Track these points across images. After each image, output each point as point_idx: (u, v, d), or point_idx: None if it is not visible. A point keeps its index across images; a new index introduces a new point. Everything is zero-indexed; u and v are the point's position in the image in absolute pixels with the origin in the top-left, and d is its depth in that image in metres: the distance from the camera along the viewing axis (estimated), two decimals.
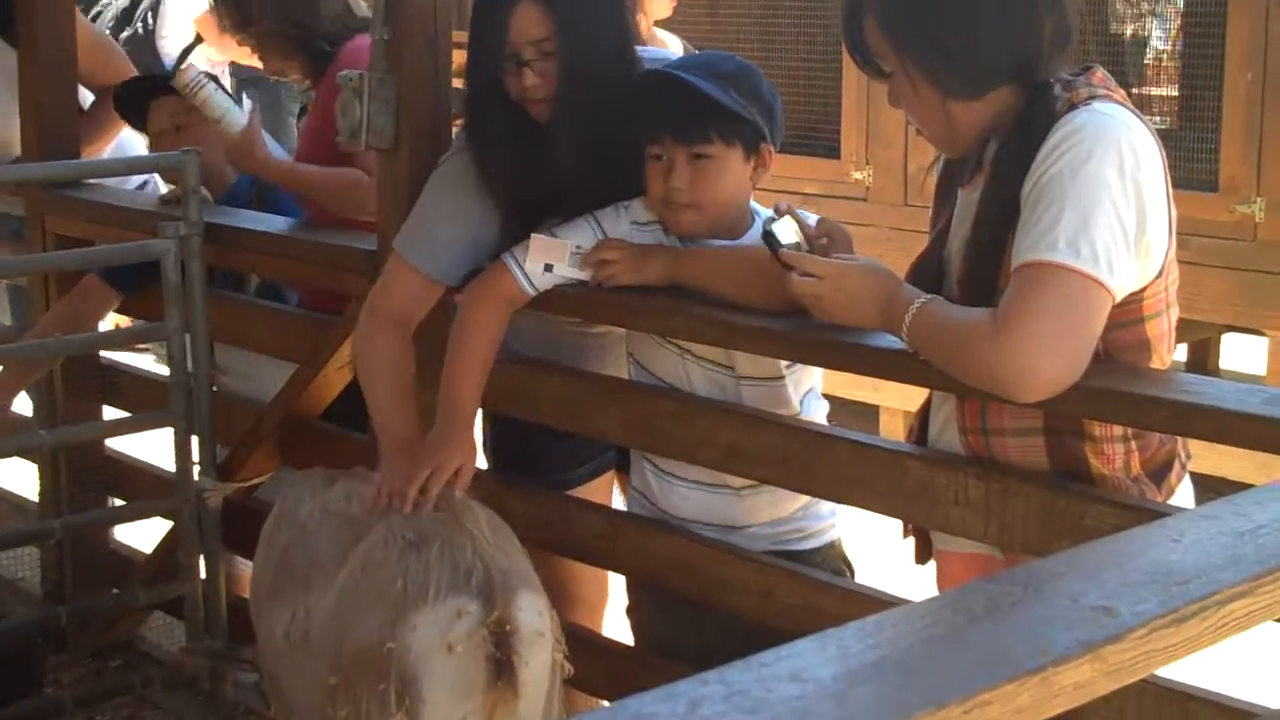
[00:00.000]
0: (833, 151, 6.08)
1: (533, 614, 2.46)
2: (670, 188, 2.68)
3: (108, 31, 7.77)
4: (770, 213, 2.67)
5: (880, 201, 6.00)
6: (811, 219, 2.64)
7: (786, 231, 2.51)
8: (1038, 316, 2.13)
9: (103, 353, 4.14)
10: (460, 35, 3.11)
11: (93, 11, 7.91)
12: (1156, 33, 5.74)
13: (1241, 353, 6.51)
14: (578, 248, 2.76)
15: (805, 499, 2.78)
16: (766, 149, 2.71)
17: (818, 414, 2.83)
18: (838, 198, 6.01)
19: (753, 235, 2.73)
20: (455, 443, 2.74)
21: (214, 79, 3.65)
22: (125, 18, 7.84)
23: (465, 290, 2.87)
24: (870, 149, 6.02)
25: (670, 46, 5.22)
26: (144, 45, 7.40)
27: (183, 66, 3.57)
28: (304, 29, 3.62)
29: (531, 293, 2.79)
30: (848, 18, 2.42)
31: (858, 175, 6.05)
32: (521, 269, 2.77)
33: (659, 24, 5.27)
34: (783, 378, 2.74)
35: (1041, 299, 2.14)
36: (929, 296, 2.31)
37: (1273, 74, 5.01)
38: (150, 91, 3.90)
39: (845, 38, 2.45)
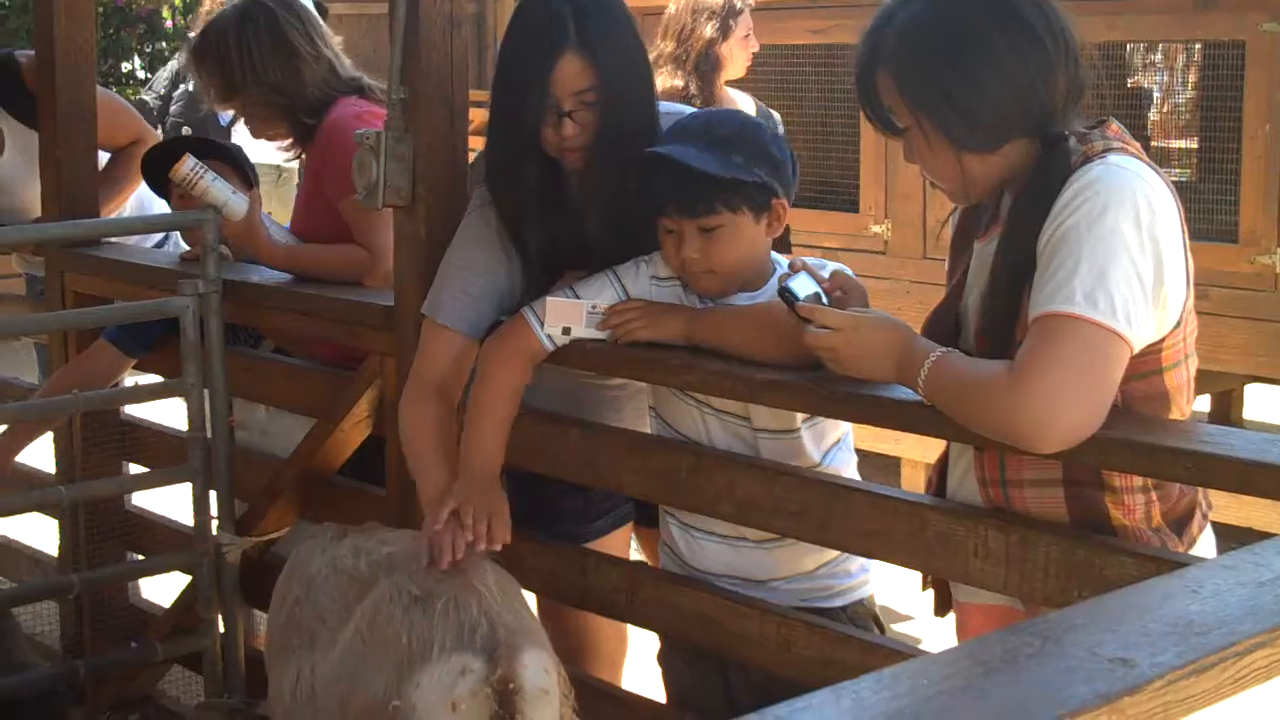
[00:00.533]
0: (852, 205, 6.09)
1: (538, 671, 2.43)
2: (684, 259, 2.69)
3: (162, 90, 7.89)
4: (787, 265, 2.69)
5: (899, 255, 6.00)
6: (826, 269, 2.65)
7: (803, 286, 2.51)
8: (1055, 368, 2.13)
9: (125, 409, 4.14)
10: (477, 94, 3.12)
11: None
12: (1175, 85, 5.74)
13: (1265, 403, 6.49)
14: (594, 307, 2.76)
15: (831, 554, 2.77)
16: (778, 204, 2.71)
17: (846, 466, 2.82)
18: (857, 251, 6.00)
19: (773, 284, 2.73)
20: (485, 503, 2.69)
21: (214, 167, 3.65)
22: (179, 77, 7.97)
23: (484, 346, 2.87)
24: (889, 202, 6.02)
25: (740, 104, 5.24)
26: (195, 104, 7.48)
27: (180, 160, 3.56)
28: (288, 97, 3.63)
29: (550, 348, 2.79)
30: (861, 73, 2.43)
31: (877, 229, 6.05)
32: (540, 322, 2.77)
33: (730, 83, 5.28)
34: (798, 430, 2.74)
35: (1059, 350, 2.14)
36: (944, 349, 2.31)
37: None
38: (177, 156, 3.92)
39: (859, 93, 2.45)
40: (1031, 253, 2.25)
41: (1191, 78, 5.74)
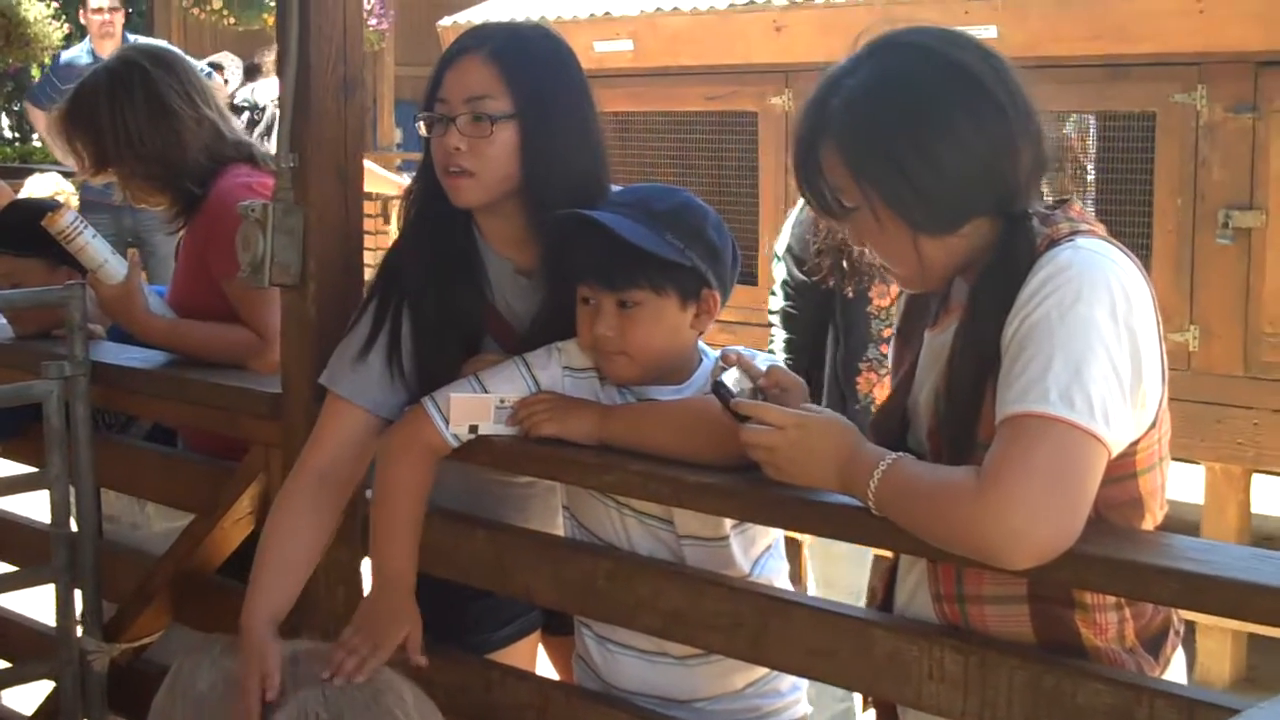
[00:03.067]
0: (750, 278, 5.91)
1: None
2: (598, 334, 2.48)
3: None
4: (717, 355, 2.48)
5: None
6: (762, 363, 2.44)
7: (738, 381, 2.30)
8: (1029, 474, 1.91)
9: None
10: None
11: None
12: (1084, 156, 5.62)
13: (1178, 483, 6.37)
14: (502, 401, 2.55)
15: (761, 672, 2.54)
16: (710, 295, 2.50)
17: (777, 575, 2.61)
18: (756, 325, 5.81)
19: (700, 377, 2.54)
20: (398, 616, 2.53)
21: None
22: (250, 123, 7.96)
23: (383, 440, 2.66)
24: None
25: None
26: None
27: (56, 210, 3.30)
28: (166, 167, 3.39)
29: (455, 444, 2.57)
30: (802, 149, 2.20)
31: (773, 303, 5.85)
32: (444, 417, 2.54)
33: None
34: (726, 537, 2.52)
35: (1033, 455, 1.92)
36: (897, 454, 2.09)
37: (1202, 199, 4.89)
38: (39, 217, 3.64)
39: (798, 171, 2.22)
40: (995, 344, 2.05)
41: (1099, 149, 5.62)
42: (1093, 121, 5.59)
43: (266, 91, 8.26)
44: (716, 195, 6.13)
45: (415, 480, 2.59)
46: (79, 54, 8.62)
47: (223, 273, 3.23)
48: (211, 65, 8.55)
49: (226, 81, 8.58)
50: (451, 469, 2.67)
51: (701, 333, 2.55)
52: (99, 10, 8.50)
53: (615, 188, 2.67)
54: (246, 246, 2.86)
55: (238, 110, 8.02)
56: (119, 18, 8.57)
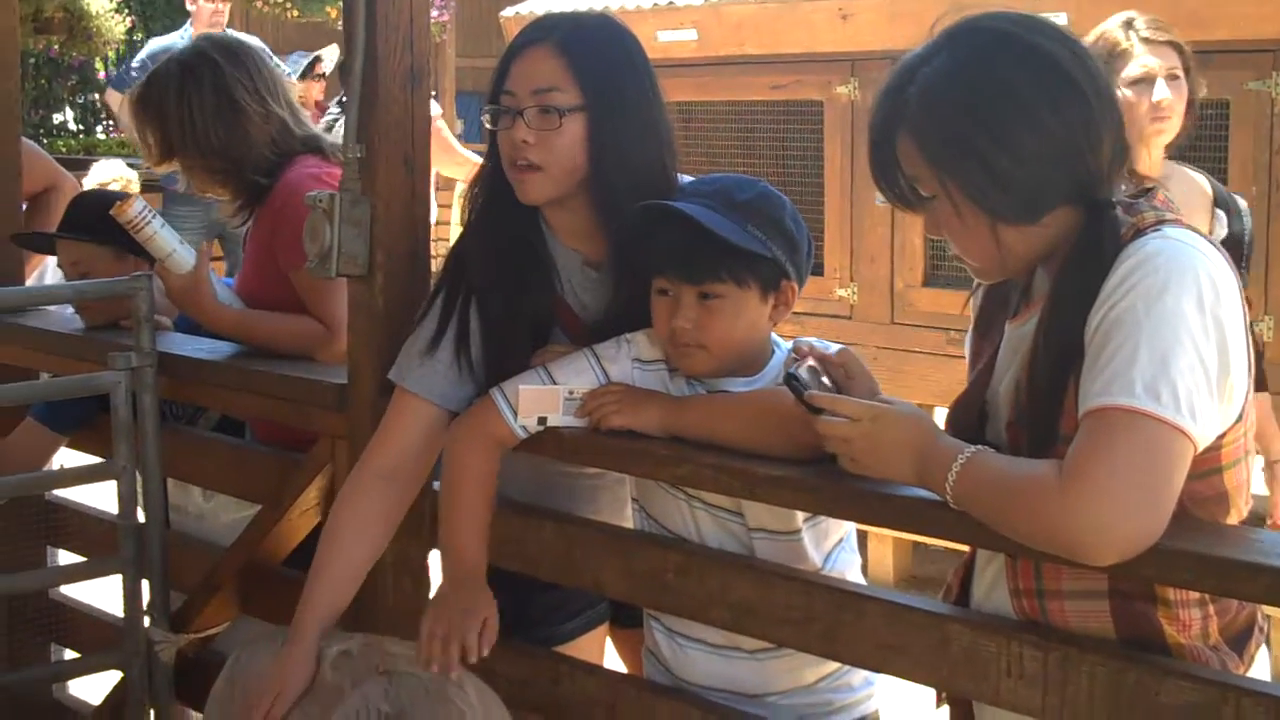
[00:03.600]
0: (816, 268, 5.88)
1: None
2: (676, 327, 2.45)
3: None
4: (789, 346, 2.45)
5: (866, 319, 5.80)
6: (832, 348, 2.42)
7: (811, 373, 2.26)
8: (1113, 469, 1.87)
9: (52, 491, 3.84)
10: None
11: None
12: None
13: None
14: (571, 393, 2.54)
15: (832, 666, 2.51)
16: (789, 286, 2.48)
17: (849, 569, 2.58)
18: (822, 315, 5.81)
19: (772, 369, 2.51)
20: (474, 606, 2.51)
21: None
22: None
23: (450, 430, 2.64)
24: (855, 265, 5.83)
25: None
26: None
27: (126, 199, 3.29)
28: (230, 162, 3.38)
29: (523, 435, 2.56)
30: (877, 139, 2.17)
31: (842, 293, 5.85)
32: (511, 409, 2.52)
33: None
34: (799, 531, 2.49)
35: (1117, 449, 1.88)
36: (976, 448, 2.05)
37: (1277, 187, 4.82)
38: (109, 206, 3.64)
39: (874, 162, 2.19)
40: (1078, 336, 2.01)
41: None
42: None
43: None
44: (781, 185, 5.99)
45: (483, 470, 2.58)
46: (176, 40, 8.57)
47: (290, 263, 3.22)
48: (313, 58, 8.55)
49: (323, 75, 8.55)
50: (520, 460, 2.66)
51: (776, 324, 2.52)
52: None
53: (685, 178, 2.65)
54: (314, 237, 2.85)
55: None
56: (228, 9, 8.55)
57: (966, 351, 2.41)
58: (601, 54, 2.58)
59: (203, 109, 3.34)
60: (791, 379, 2.24)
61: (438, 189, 8.01)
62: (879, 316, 5.78)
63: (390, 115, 2.83)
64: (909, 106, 2.11)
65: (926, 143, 2.09)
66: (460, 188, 10.24)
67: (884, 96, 2.16)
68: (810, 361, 2.31)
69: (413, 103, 2.86)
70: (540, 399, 2.54)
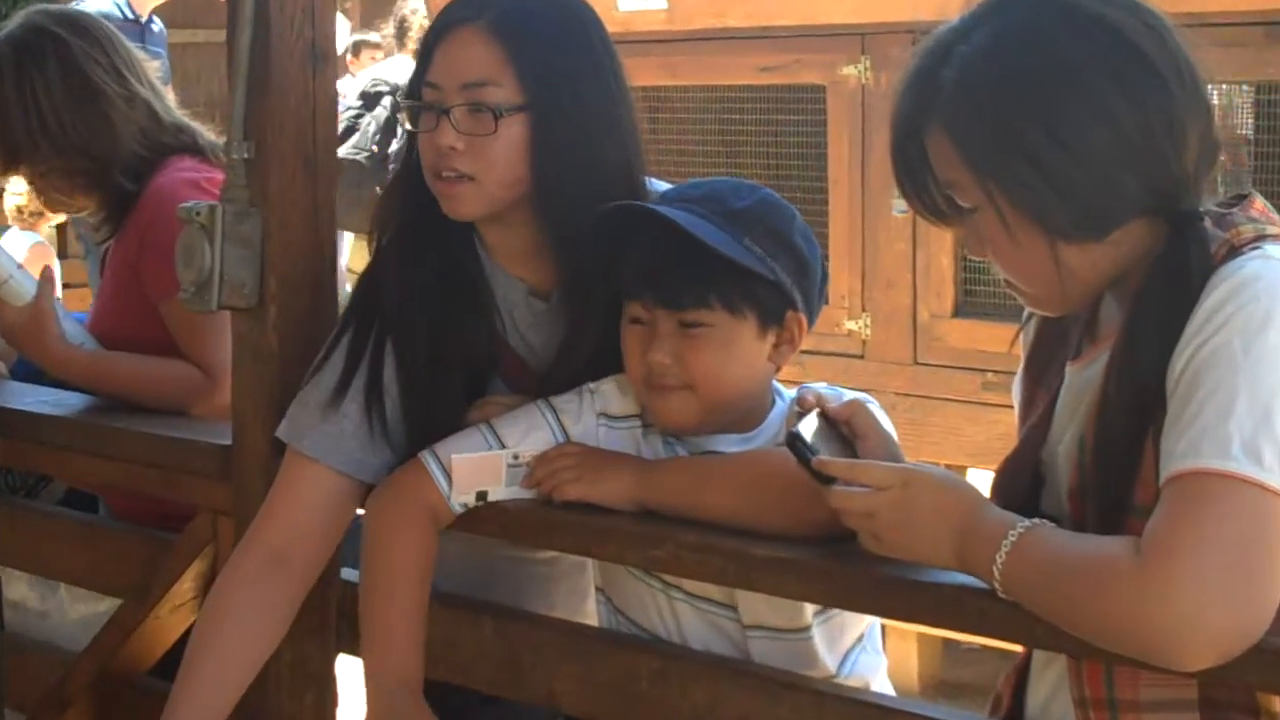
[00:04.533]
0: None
1: None
2: (652, 362, 2.45)
3: (375, 148, 7.76)
4: (793, 395, 2.49)
5: (882, 359, 5.82)
6: (845, 396, 2.45)
7: (819, 431, 2.27)
8: (1203, 548, 1.88)
9: None
10: None
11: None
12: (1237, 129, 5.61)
13: None
14: (515, 458, 2.55)
15: None
16: (795, 319, 2.49)
17: (873, 674, 2.60)
18: (826, 354, 5.82)
19: (772, 424, 2.53)
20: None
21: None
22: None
23: (372, 505, 2.65)
24: (867, 291, 5.85)
25: None
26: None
27: None
28: (94, 160, 3.40)
29: (459, 510, 2.56)
30: (900, 133, 2.19)
31: (852, 325, 5.87)
32: (447, 477, 2.54)
33: None
34: (808, 629, 2.50)
35: (1208, 523, 1.89)
36: (1032, 521, 2.06)
37: None
38: None
39: (895, 161, 2.22)
40: (1158, 381, 2.03)
41: (1257, 126, 5.61)
42: (1249, 92, 5.58)
43: (396, 70, 8.26)
44: (774, 189, 6.12)
45: (417, 555, 2.58)
46: (107, 5, 8.52)
47: (159, 293, 3.23)
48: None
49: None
50: (452, 539, 2.66)
51: (779, 367, 2.53)
52: None
53: (657, 184, 2.67)
54: (189, 260, 2.85)
55: (374, 98, 7.98)
56: None
57: (1015, 400, 2.43)
58: (548, 35, 2.59)
59: (51, 94, 3.34)
60: (795, 439, 2.24)
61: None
62: (898, 355, 5.79)
63: (287, 104, 2.84)
64: (943, 94, 2.12)
65: (966, 139, 2.11)
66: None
67: (911, 81, 2.18)
68: (814, 417, 2.32)
69: (315, 90, 2.88)
70: (479, 468, 2.54)
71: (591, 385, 2.58)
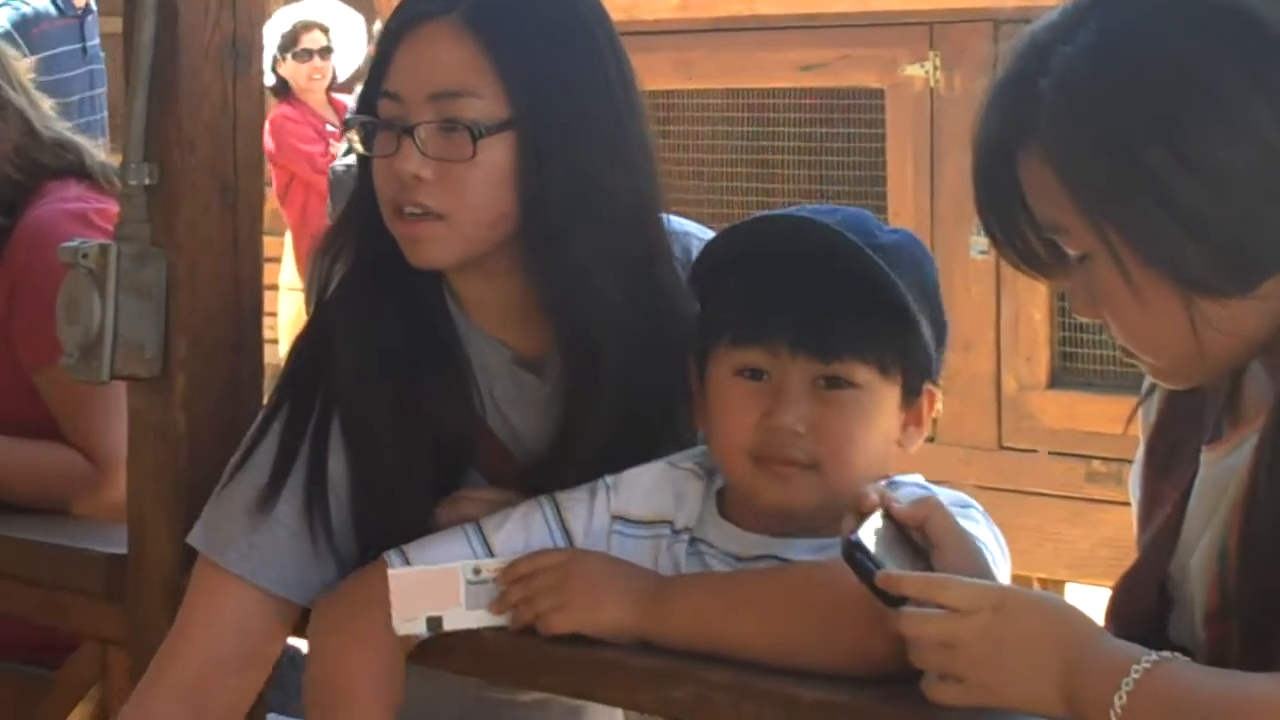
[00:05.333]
0: None
1: None
2: (777, 428, 2.43)
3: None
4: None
5: (956, 441, 5.87)
6: (916, 488, 2.47)
7: (884, 538, 2.27)
8: None
9: None
10: None
11: None
12: None
13: None
14: (477, 572, 2.53)
15: None
16: (930, 394, 2.51)
17: None
18: None
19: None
20: None
21: None
22: None
23: (317, 622, 2.65)
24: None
25: None
26: None
27: None
28: None
29: (426, 631, 2.56)
30: (986, 159, 2.19)
31: None
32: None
33: None
34: None
35: None
36: (1158, 654, 2.07)
37: None
38: None
39: (979, 195, 2.23)
40: None
41: None
42: None
43: None
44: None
45: (377, 693, 2.58)
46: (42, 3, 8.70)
47: (34, 358, 3.27)
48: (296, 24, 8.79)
49: (324, 52, 8.75)
50: (412, 675, 2.66)
51: (910, 447, 2.56)
52: None
53: (683, 225, 2.70)
54: (73, 315, 2.87)
55: None
56: None
57: (1132, 497, 2.45)
58: (539, 32, 2.60)
59: None
60: (853, 548, 2.24)
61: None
62: (976, 436, 5.84)
63: (199, 116, 2.88)
64: (1042, 110, 2.13)
65: (1073, 169, 2.11)
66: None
67: (999, 94, 2.19)
68: (878, 519, 2.32)
69: (237, 95, 2.91)
70: (428, 585, 2.52)
71: (610, 478, 2.57)
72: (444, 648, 2.58)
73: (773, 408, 2.43)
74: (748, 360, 2.46)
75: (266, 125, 11.11)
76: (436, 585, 2.53)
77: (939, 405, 2.53)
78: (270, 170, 10.95)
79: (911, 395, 2.47)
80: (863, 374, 2.41)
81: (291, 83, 10.14)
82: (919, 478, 2.48)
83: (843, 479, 2.43)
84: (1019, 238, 2.20)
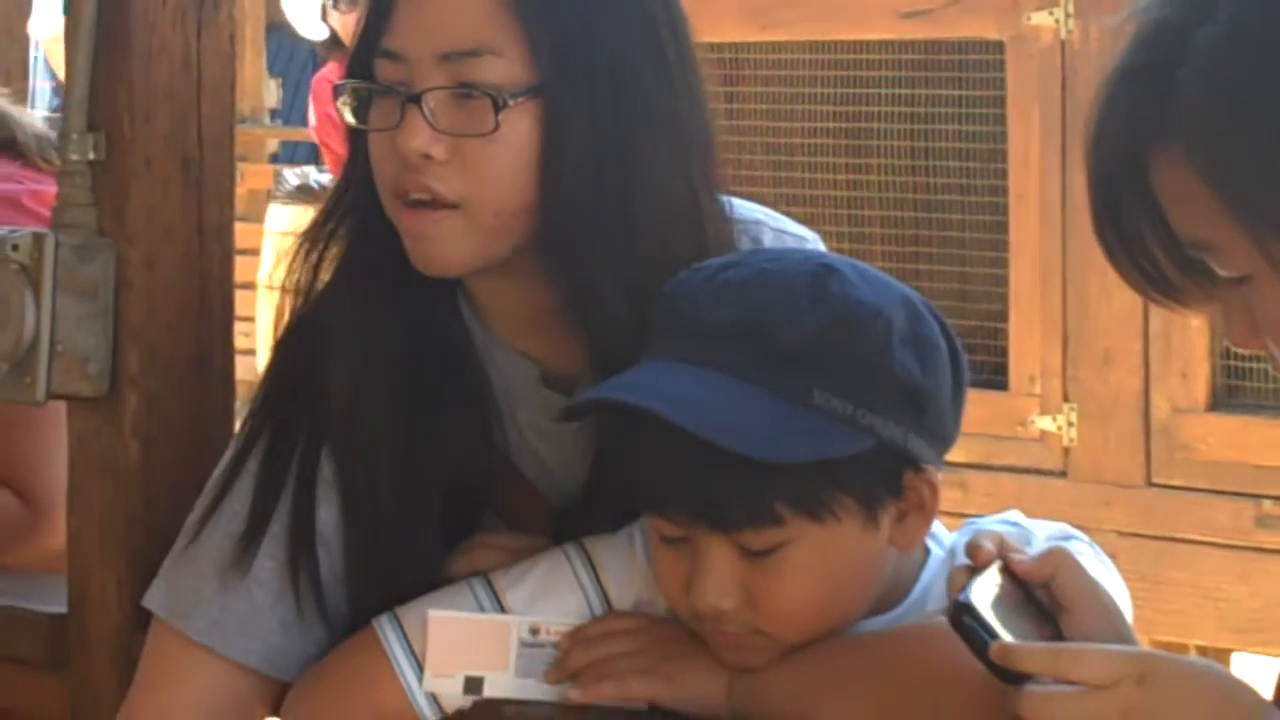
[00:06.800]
0: (997, 376, 5.93)
1: None
2: (701, 607, 2.44)
3: None
4: (953, 542, 2.53)
5: (1095, 477, 5.86)
6: (1036, 536, 2.48)
7: (1001, 600, 2.27)
8: None
9: None
10: None
11: None
12: None
13: None
14: (534, 633, 2.54)
15: None
16: (920, 480, 2.47)
17: None
18: (1004, 469, 5.85)
19: (923, 590, 2.55)
20: None
21: None
22: None
23: (297, 704, 2.67)
24: (1072, 369, 5.89)
25: None
26: None
27: None
28: None
29: (430, 715, 2.57)
30: (1106, 172, 2.18)
31: (1046, 423, 5.91)
32: (417, 667, 2.55)
33: None
34: None
35: None
36: None
37: None
38: None
39: (1099, 203, 2.22)
40: None
41: None
42: None
43: None
44: (923, 213, 6.17)
45: None
46: None
47: None
48: None
49: None
50: None
51: (910, 546, 2.54)
52: None
53: (744, 209, 2.70)
54: (1, 321, 2.87)
55: None
56: None
57: None
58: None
59: None
60: (964, 612, 2.25)
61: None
62: (1120, 471, 5.85)
63: (156, 76, 2.89)
64: (1181, 106, 2.12)
65: (1228, 175, 2.10)
66: (276, 220, 10.41)
67: (1121, 87, 2.17)
68: (994, 575, 2.32)
69: (201, 51, 2.93)
70: (472, 636, 2.55)
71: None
72: None
73: (697, 582, 2.43)
74: (662, 529, 2.47)
75: (311, 91, 11.19)
76: (484, 639, 2.55)
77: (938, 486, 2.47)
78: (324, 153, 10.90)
79: (880, 500, 2.44)
80: (782, 533, 2.40)
81: (343, 36, 10.10)
82: (1017, 514, 2.48)
83: (804, 626, 2.46)
84: (1146, 258, 2.18)
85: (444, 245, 2.56)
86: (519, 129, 2.53)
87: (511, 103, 2.52)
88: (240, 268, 3.15)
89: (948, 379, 2.47)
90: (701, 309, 2.44)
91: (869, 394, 2.39)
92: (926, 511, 2.48)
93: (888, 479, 2.43)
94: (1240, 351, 2.36)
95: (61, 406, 2.96)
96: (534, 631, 2.54)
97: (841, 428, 2.38)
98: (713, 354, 2.39)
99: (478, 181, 2.54)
